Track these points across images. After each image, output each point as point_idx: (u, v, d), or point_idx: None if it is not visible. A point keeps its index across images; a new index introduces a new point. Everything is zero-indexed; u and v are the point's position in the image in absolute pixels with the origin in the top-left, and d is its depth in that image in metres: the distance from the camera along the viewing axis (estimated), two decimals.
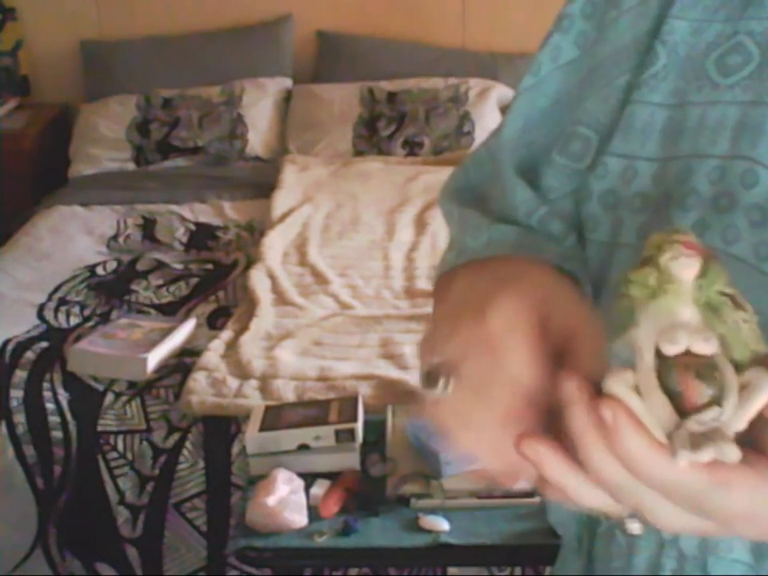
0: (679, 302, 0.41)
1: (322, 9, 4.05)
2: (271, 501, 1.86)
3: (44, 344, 2.55)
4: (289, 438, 2.05)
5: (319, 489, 1.96)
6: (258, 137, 3.83)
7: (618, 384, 0.41)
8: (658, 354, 0.41)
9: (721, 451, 0.39)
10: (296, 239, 3.15)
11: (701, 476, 0.41)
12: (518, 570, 1.92)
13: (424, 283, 2.79)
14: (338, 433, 2.05)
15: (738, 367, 0.41)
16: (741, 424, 0.40)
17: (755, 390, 0.40)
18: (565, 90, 0.71)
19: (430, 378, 0.49)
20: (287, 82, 4.00)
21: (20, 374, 2.42)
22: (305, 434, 2.05)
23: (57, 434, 2.30)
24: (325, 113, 3.83)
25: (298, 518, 1.88)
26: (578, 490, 0.44)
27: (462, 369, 0.49)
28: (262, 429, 2.07)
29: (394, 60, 3.94)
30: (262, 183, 3.55)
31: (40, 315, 2.73)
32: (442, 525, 1.87)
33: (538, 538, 1.78)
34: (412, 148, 3.75)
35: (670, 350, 0.40)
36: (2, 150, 3.75)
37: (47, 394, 2.36)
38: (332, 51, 4.04)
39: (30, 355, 2.49)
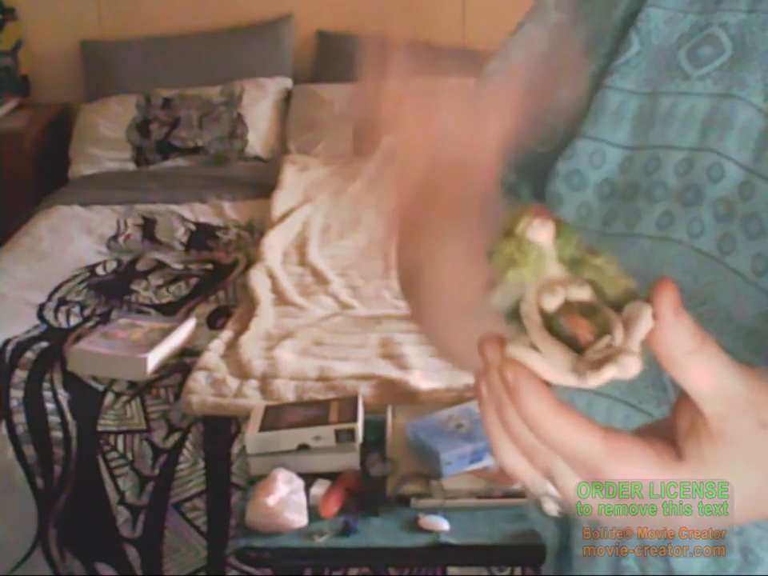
0: (545, 264, 0.44)
1: (322, 9, 4.05)
2: (271, 501, 1.86)
3: (44, 344, 2.55)
4: (289, 438, 2.05)
5: (319, 489, 1.96)
6: (258, 137, 3.83)
7: (516, 347, 0.44)
8: (543, 314, 0.43)
9: (620, 364, 0.42)
10: (296, 239, 3.15)
11: (595, 442, 0.42)
12: (517, 570, 1.92)
13: None
14: (338, 433, 2.05)
15: (616, 307, 0.44)
16: (634, 347, 0.43)
17: (638, 319, 0.42)
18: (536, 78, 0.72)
19: None
20: (287, 82, 4.00)
21: (20, 374, 2.42)
22: (305, 434, 2.05)
23: (57, 434, 2.30)
24: (325, 113, 3.83)
25: (298, 518, 1.88)
26: (501, 448, 0.45)
27: None
28: (262, 429, 2.07)
29: None
30: (262, 183, 3.55)
31: (40, 315, 2.72)
32: (442, 525, 1.87)
33: (537, 538, 1.78)
34: None
35: (552, 303, 0.43)
36: (2, 150, 3.74)
37: (47, 394, 2.36)
38: (332, 51, 4.03)
39: (29, 355, 2.49)
